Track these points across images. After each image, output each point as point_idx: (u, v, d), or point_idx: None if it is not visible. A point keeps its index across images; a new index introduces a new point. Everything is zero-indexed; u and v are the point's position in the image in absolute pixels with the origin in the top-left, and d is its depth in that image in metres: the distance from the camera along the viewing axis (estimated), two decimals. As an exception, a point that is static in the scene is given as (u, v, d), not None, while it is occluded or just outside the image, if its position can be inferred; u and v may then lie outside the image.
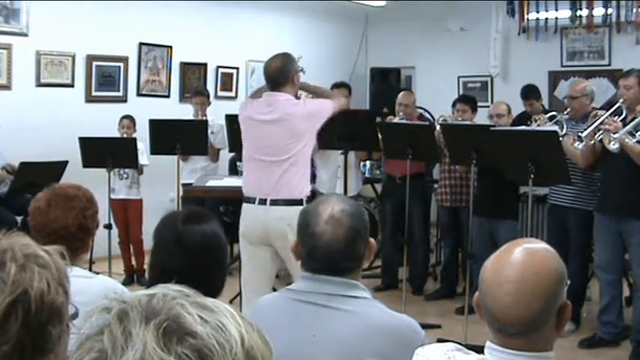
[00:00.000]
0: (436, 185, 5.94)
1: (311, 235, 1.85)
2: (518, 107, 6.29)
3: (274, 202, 3.68)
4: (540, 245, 1.54)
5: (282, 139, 3.70)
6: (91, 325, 0.69)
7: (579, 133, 4.35)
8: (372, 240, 1.93)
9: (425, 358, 1.60)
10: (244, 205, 3.88)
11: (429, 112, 6.87)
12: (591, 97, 4.77)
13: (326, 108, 3.84)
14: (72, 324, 1.09)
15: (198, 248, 1.84)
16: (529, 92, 6.50)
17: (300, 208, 3.41)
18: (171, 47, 7.33)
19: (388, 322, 1.81)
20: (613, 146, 4.12)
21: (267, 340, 0.73)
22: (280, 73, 3.73)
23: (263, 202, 3.74)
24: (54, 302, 1.03)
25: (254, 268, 3.89)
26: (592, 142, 4.27)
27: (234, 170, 6.54)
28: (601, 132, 4.20)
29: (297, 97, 3.93)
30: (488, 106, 7.08)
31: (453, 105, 5.89)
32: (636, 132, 4.14)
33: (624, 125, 4.17)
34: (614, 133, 4.10)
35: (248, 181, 3.89)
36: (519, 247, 1.49)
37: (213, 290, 1.74)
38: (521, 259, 1.46)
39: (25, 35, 6.23)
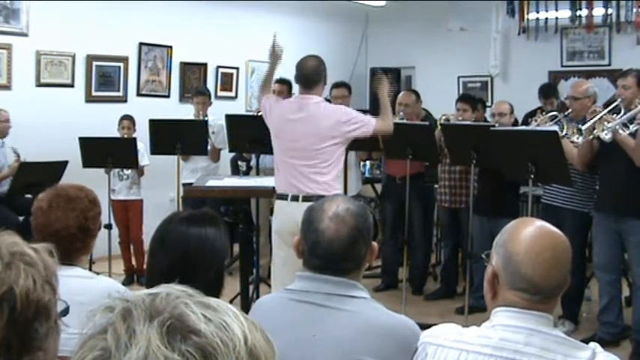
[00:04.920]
0: (436, 185, 5.94)
1: (314, 231, 1.85)
2: (519, 107, 6.29)
3: (306, 199, 3.76)
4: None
5: (313, 140, 3.86)
6: (95, 324, 0.69)
7: (579, 126, 4.36)
8: (374, 244, 1.93)
9: (435, 337, 1.65)
10: (277, 202, 4.02)
11: (428, 112, 6.87)
12: (593, 98, 4.77)
13: (364, 132, 3.98)
14: (61, 321, 1.09)
15: (177, 249, 1.82)
16: (550, 91, 6.49)
17: None
18: (171, 47, 7.33)
19: (386, 322, 1.81)
20: (606, 136, 4.13)
21: (270, 340, 0.74)
22: (316, 72, 3.94)
23: (295, 198, 3.88)
24: (40, 300, 1.03)
25: (285, 266, 3.92)
26: (590, 137, 4.28)
27: (236, 170, 6.55)
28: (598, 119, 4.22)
29: (328, 100, 4.04)
30: (489, 106, 7.09)
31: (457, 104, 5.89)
32: (630, 124, 4.15)
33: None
34: (609, 123, 4.12)
35: (280, 179, 4.02)
36: (534, 223, 1.67)
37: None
38: (547, 231, 1.64)
39: (25, 35, 6.23)
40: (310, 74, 3.95)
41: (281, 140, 4.03)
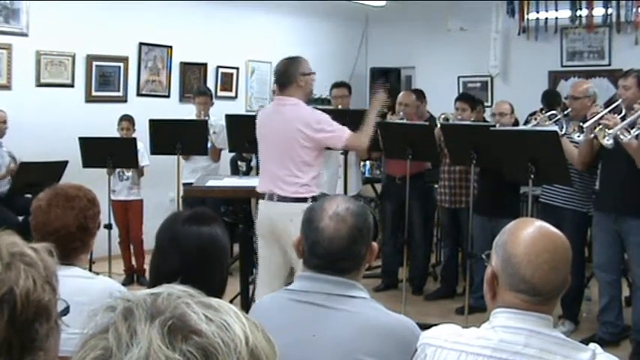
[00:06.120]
0: (436, 185, 5.95)
1: (314, 229, 1.86)
2: (519, 107, 6.29)
3: (281, 199, 3.89)
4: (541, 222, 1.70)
5: (285, 143, 3.90)
6: (96, 323, 0.69)
7: (581, 123, 4.37)
8: (374, 244, 1.93)
9: (434, 338, 1.64)
10: (259, 201, 4.08)
11: (432, 116, 6.87)
12: (593, 98, 4.78)
13: (334, 144, 4.00)
14: (61, 321, 1.09)
15: (191, 249, 1.83)
16: (552, 99, 6.48)
17: (305, 205, 3.65)
18: (171, 47, 7.33)
19: (385, 322, 1.81)
20: (607, 142, 4.13)
21: (271, 340, 0.74)
22: (283, 74, 3.97)
23: (271, 197, 3.95)
24: (40, 300, 1.03)
25: (265, 262, 4.07)
26: (592, 135, 4.28)
27: (235, 170, 6.55)
28: (600, 126, 4.21)
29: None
30: (489, 106, 7.09)
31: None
32: (632, 129, 4.15)
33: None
34: (610, 129, 4.12)
35: (260, 178, 4.11)
36: (534, 223, 1.65)
37: (209, 292, 1.74)
38: (547, 232, 1.63)
39: (25, 35, 6.23)
40: (278, 76, 4.02)
41: (260, 143, 4.12)
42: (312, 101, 7.90)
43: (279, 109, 3.99)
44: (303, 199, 3.85)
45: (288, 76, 3.94)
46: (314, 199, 3.85)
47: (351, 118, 4.42)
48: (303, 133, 3.86)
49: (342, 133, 3.92)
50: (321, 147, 3.97)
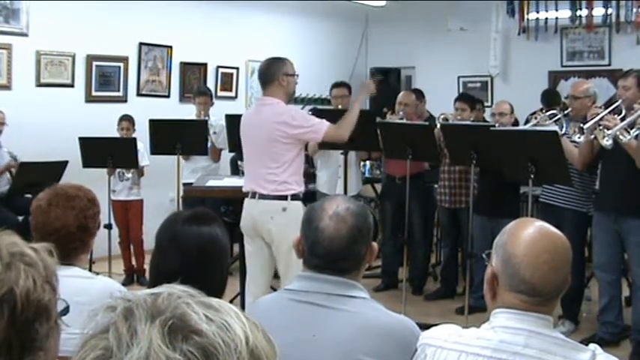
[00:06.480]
0: (436, 185, 5.95)
1: (314, 229, 1.86)
2: (519, 107, 6.29)
3: (261, 197, 3.96)
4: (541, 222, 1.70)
5: (264, 141, 3.96)
6: (96, 323, 0.69)
7: (581, 125, 4.37)
8: (374, 244, 1.93)
9: (434, 338, 1.64)
10: (244, 200, 4.14)
11: (432, 116, 6.88)
12: (593, 98, 4.78)
13: (313, 137, 4.09)
14: (61, 320, 1.09)
15: (191, 249, 1.83)
16: (552, 98, 6.49)
17: (284, 203, 3.84)
18: (171, 47, 7.33)
19: (385, 322, 1.81)
20: (606, 142, 4.13)
21: (272, 340, 0.74)
22: (264, 74, 4.04)
23: (253, 196, 4.02)
24: (40, 300, 1.03)
25: (251, 258, 4.15)
26: (592, 136, 4.28)
27: (235, 170, 6.55)
28: (600, 127, 4.21)
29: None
30: (489, 106, 7.09)
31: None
32: (631, 129, 4.15)
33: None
34: (609, 129, 4.12)
35: (245, 177, 4.19)
36: (534, 223, 1.64)
37: (209, 292, 1.74)
38: (547, 232, 1.62)
39: (25, 35, 6.23)
40: (261, 74, 4.07)
41: (243, 143, 4.18)
42: (312, 101, 7.96)
43: (260, 109, 4.06)
44: (283, 197, 3.91)
45: (271, 74, 3.99)
46: (294, 196, 3.93)
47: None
48: (282, 131, 3.90)
49: (320, 126, 3.95)
50: (301, 143, 4.01)
